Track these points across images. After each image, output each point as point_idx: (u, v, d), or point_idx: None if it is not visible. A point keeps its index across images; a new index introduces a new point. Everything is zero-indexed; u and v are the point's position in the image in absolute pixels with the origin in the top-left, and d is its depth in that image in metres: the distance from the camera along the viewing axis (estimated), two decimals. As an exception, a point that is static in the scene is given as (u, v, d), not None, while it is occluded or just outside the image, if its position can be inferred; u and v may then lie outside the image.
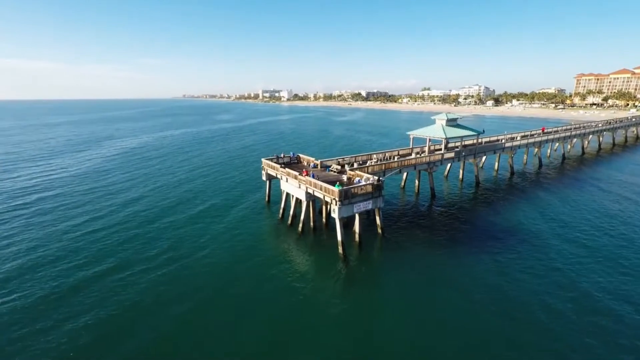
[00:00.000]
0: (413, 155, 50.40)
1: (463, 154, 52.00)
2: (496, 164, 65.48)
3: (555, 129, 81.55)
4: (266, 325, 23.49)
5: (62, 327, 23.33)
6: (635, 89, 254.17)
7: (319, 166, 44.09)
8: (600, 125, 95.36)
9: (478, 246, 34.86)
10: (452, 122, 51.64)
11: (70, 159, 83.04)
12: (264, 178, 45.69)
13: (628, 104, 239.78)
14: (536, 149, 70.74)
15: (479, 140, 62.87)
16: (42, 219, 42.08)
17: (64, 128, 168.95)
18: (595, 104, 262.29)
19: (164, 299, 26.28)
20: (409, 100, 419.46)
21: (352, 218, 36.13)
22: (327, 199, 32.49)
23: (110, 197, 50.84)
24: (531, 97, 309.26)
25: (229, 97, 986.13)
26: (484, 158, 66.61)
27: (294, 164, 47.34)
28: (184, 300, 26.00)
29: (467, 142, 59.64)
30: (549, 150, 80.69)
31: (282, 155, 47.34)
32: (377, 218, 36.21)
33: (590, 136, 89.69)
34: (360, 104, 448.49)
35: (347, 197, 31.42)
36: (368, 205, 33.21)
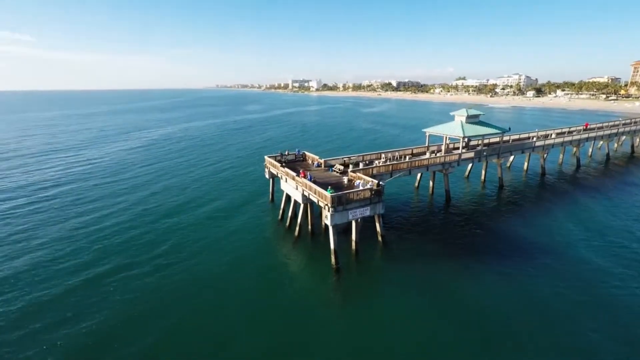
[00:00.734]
0: (427, 155, 46.63)
1: (484, 153, 47.38)
2: (525, 164, 59.59)
3: (600, 124, 72.87)
4: (240, 343, 22.11)
5: (57, 330, 23.01)
6: None
7: (322, 165, 41.88)
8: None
9: (496, 261, 31.26)
10: (473, 119, 47.03)
11: (97, 149, 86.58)
12: (267, 176, 44.27)
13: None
14: (575, 148, 63.60)
15: (508, 138, 57.58)
16: (50, 214, 42.26)
17: (99, 118, 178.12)
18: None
19: (147, 309, 25.61)
20: (441, 91, 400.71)
21: (350, 223, 33.76)
22: (321, 204, 30.38)
23: (124, 193, 50.77)
24: (578, 87, 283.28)
25: (259, 87, 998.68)
26: (511, 158, 60.88)
27: (299, 161, 45.47)
28: (165, 315, 24.86)
29: (491, 140, 54.61)
30: (590, 150, 72.46)
31: (286, 153, 45.54)
32: (377, 225, 33.57)
33: (643, 133, 79.59)
34: (390, 95, 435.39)
35: (340, 203, 29.11)
36: (365, 211, 30.69)
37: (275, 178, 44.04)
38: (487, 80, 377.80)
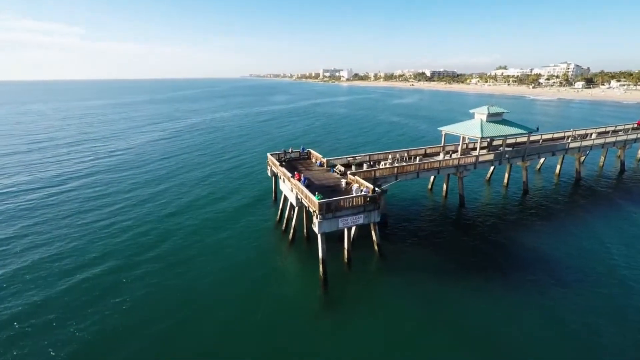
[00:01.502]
0: (441, 156, 43.06)
1: (507, 155, 42.94)
2: (558, 167, 53.72)
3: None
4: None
5: (42, 334, 23.11)
6: None
7: (325, 165, 39.94)
8: None
9: (511, 281, 27.87)
10: (495, 118, 42.58)
11: (125, 140, 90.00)
12: (269, 174, 43.09)
13: None
14: (620, 150, 56.41)
15: (539, 138, 52.21)
16: (60, 209, 42.33)
17: (135, 108, 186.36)
18: None
19: (130, 318, 25.51)
20: (478, 81, 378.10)
21: (350, 229, 31.68)
22: (311, 210, 28.65)
23: (136, 188, 50.61)
24: (637, 78, 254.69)
25: (291, 76, 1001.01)
26: (541, 160, 55.16)
27: (303, 159, 43.83)
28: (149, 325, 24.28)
29: (518, 140, 49.60)
30: (639, 153, 64.19)
31: (290, 150, 44.04)
32: (373, 234, 31.29)
33: None
34: (423, 85, 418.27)
35: (330, 210, 27.17)
36: (359, 219, 28.54)
37: (277, 177, 42.81)
38: (531, 69, 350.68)
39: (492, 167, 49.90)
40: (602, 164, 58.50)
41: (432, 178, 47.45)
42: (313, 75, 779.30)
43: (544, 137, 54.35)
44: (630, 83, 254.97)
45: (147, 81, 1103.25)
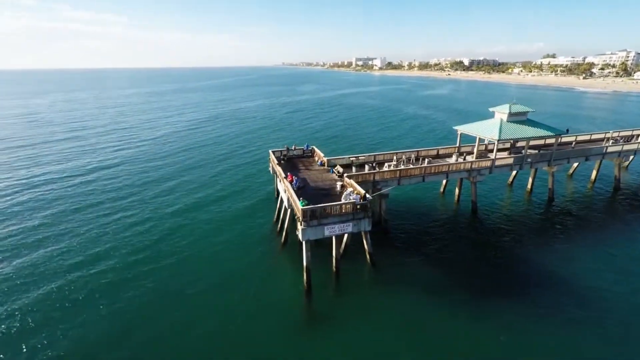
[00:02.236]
0: (453, 158, 39.66)
1: (529, 160, 38.68)
2: (594, 173, 47.92)
3: None
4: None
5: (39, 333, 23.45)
6: None
7: (325, 165, 38.19)
8: None
9: (518, 304, 24.95)
10: (517, 117, 38.29)
11: (150, 130, 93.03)
12: (271, 172, 42.12)
13: None
14: (672, 155, 49.17)
15: (573, 139, 46.87)
16: (71, 202, 43.42)
17: (166, 97, 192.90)
18: None
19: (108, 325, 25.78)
20: (521, 71, 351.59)
21: (340, 236, 29.94)
22: (295, 215, 27.27)
23: (146, 182, 50.39)
24: None
25: (323, 65, 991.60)
26: (574, 165, 49.48)
27: (306, 157, 42.36)
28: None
29: (545, 141, 44.69)
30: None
31: (293, 147, 42.69)
32: (365, 243, 29.35)
33: None
34: (460, 75, 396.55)
35: (314, 217, 25.63)
36: (347, 228, 26.77)
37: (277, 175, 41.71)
38: (584, 58, 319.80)
39: (514, 171, 45.46)
40: (650, 170, 51.60)
41: (444, 181, 44.12)
42: (345, 64, 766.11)
43: (580, 138, 48.66)
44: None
45: (186, 69, 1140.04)
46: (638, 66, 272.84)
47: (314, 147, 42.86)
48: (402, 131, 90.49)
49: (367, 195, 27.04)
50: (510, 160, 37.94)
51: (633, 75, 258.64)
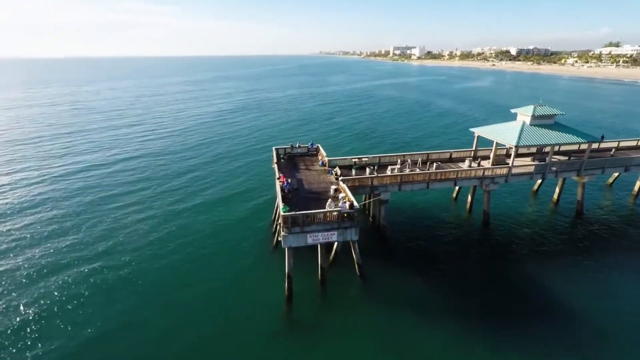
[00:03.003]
0: (466, 164, 36.48)
1: (553, 168, 34.59)
2: (637, 184, 42.10)
3: None
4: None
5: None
6: None
7: (327, 165, 36.83)
8: None
9: (526, 337, 22.17)
10: (543, 121, 34.20)
11: (179, 120, 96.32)
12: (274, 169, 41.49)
13: None
14: None
15: (613, 146, 41.52)
16: (82, 196, 44.23)
17: (201, 86, 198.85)
18: None
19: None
20: (576, 61, 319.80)
21: (330, 244, 28.69)
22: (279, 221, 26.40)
23: (159, 177, 51.22)
24: None
25: (360, 54, 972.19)
26: (615, 174, 43.76)
27: (311, 155, 41.19)
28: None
29: (579, 147, 39.88)
30: None
31: (297, 145, 41.65)
32: (353, 253, 27.88)
33: None
34: (506, 65, 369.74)
35: (296, 224, 24.61)
36: (331, 236, 25.48)
37: (280, 172, 40.97)
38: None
39: (539, 180, 41.11)
40: None
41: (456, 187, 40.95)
42: (382, 53, 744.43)
43: (624, 144, 42.84)
44: None
45: (225, 58, 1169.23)
46: None
47: (318, 145, 41.52)
48: (433, 128, 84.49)
49: (355, 204, 25.48)
50: (531, 169, 34.16)
51: None
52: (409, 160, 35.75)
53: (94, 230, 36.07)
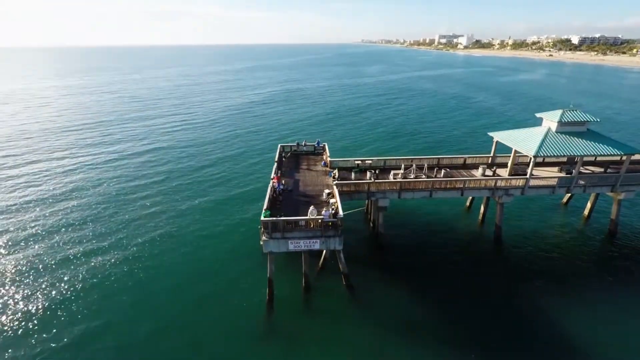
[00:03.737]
0: (479, 171, 33.38)
1: (580, 182, 30.52)
2: (691, 203, 36.03)
3: None
4: None
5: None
6: None
7: (329, 166, 35.71)
8: None
9: None
10: (572, 128, 30.08)
11: (206, 112, 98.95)
12: (280, 167, 41.09)
13: None
14: None
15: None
16: (95, 190, 44.93)
17: (238, 75, 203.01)
18: None
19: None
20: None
21: (317, 250, 27.72)
22: (262, 224, 25.97)
23: (171, 171, 51.54)
24: None
25: (403, 42, 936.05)
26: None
27: (314, 155, 40.28)
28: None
29: (611, 159, 34.91)
30: None
31: (303, 143, 40.84)
32: (339, 262, 26.75)
33: None
34: (564, 56, 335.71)
35: (277, 229, 24.05)
36: (314, 244, 24.62)
37: (284, 170, 40.50)
38: None
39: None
40: None
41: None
42: (427, 41, 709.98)
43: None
44: None
45: (268, 46, 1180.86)
46: None
47: (325, 144, 40.38)
48: (469, 129, 76.33)
49: (340, 213, 24.29)
50: (554, 181, 30.41)
51: None
52: (414, 165, 33.43)
53: (96, 225, 36.29)
